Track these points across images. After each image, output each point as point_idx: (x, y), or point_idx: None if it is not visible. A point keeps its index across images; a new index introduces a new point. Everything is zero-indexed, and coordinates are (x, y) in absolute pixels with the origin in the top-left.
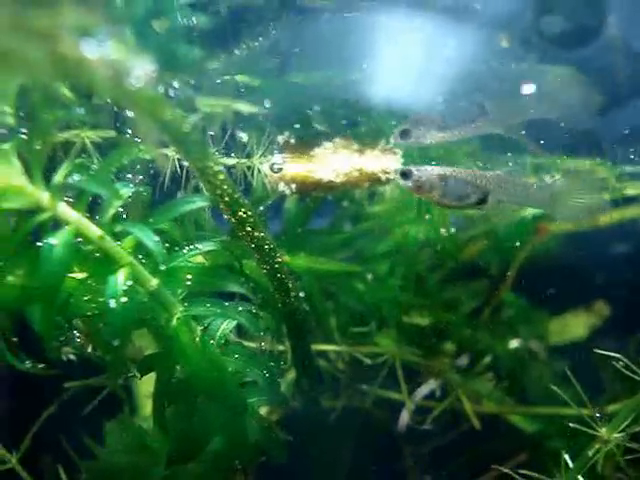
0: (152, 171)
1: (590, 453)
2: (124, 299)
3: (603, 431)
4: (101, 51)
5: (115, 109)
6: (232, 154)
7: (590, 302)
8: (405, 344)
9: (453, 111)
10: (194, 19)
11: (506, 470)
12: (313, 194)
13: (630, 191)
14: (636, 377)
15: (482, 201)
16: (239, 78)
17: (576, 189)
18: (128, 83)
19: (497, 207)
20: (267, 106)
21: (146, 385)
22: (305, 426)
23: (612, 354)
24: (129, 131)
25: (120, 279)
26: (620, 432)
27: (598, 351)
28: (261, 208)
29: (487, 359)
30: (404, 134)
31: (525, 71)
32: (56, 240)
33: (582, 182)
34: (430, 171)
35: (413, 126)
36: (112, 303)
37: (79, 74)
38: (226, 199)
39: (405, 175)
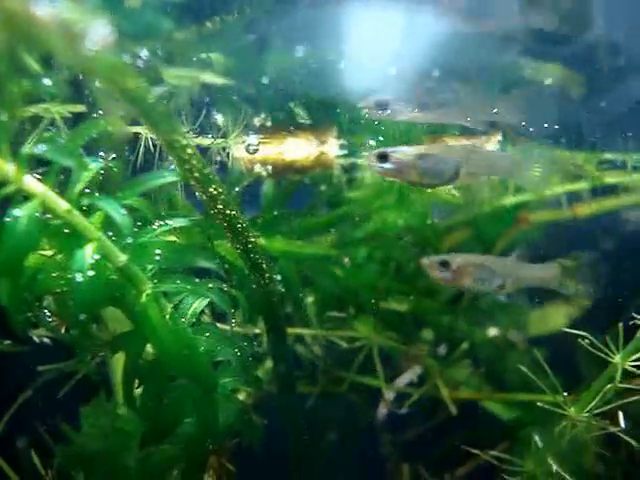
0: (127, 148)
1: (557, 431)
2: (91, 273)
3: (571, 410)
4: (53, 9)
5: (86, 82)
6: (208, 134)
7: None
8: (383, 330)
9: (430, 92)
10: None
11: (486, 457)
12: (288, 177)
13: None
14: (608, 358)
15: (455, 175)
16: (213, 56)
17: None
18: (84, 46)
19: (468, 179)
20: (243, 85)
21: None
22: (282, 410)
23: (581, 333)
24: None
25: (87, 253)
26: (587, 411)
27: (567, 330)
28: (237, 189)
29: (465, 346)
30: (381, 104)
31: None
32: (21, 212)
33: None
34: (407, 151)
35: (393, 98)
36: (78, 277)
37: (30, 33)
38: (196, 174)
39: (383, 158)
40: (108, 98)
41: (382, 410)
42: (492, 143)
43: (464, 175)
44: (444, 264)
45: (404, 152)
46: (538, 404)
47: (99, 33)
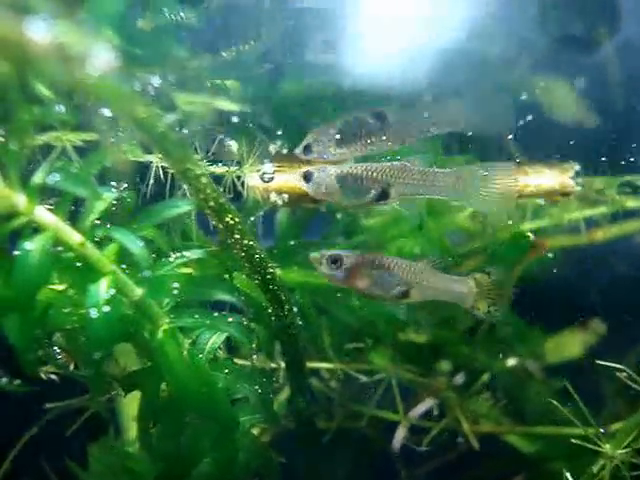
0: (138, 178)
1: (595, 470)
2: (106, 308)
3: (607, 447)
4: (49, 33)
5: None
6: (222, 163)
7: (587, 320)
8: (401, 362)
9: (348, 124)
10: (182, 15)
11: None
12: (303, 205)
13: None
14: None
15: (384, 196)
16: (228, 83)
17: (490, 178)
18: (84, 70)
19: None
20: (257, 112)
21: (132, 406)
22: (299, 447)
23: (615, 365)
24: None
25: (102, 288)
26: (625, 448)
27: (599, 362)
28: (252, 219)
29: (484, 378)
30: (307, 149)
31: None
32: (32, 245)
33: (496, 171)
34: (327, 171)
35: (314, 141)
36: (93, 313)
37: (26, 58)
38: (211, 204)
39: (306, 177)
40: (109, 127)
41: (397, 443)
42: (568, 173)
43: (395, 195)
44: (336, 261)
45: (326, 172)
46: (573, 442)
47: (101, 57)
